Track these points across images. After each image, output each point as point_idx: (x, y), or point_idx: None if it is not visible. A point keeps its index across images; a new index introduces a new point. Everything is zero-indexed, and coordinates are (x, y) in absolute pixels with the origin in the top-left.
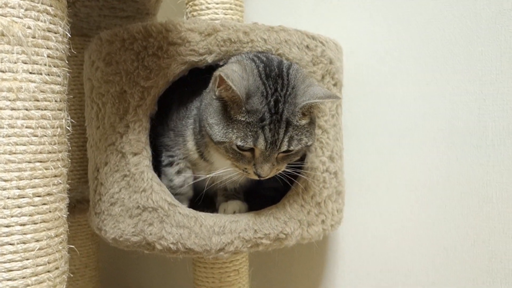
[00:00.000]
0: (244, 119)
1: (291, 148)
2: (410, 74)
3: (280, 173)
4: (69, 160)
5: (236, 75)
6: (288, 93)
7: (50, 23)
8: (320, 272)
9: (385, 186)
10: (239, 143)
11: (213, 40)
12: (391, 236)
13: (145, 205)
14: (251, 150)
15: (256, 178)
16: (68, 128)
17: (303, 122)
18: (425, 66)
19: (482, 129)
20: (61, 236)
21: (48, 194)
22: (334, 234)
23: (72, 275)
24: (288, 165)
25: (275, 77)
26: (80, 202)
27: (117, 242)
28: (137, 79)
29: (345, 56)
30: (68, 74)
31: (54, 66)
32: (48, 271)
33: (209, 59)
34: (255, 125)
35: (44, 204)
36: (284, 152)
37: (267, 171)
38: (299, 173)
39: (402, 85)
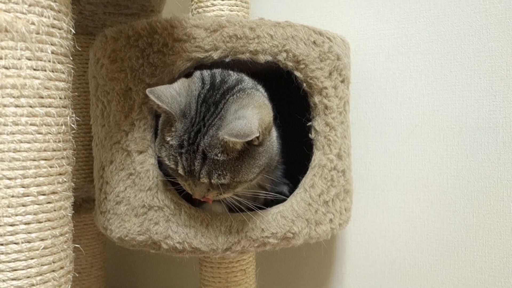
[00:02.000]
0: (169, 140)
1: (213, 181)
2: (419, 70)
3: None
4: (74, 158)
5: (170, 95)
6: (212, 123)
7: (54, 19)
8: (328, 271)
9: (393, 185)
10: (166, 162)
11: (219, 36)
12: (400, 236)
13: (151, 203)
14: None
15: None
16: (72, 125)
17: (224, 157)
18: (434, 62)
19: (493, 126)
20: (66, 235)
21: (53, 193)
22: (342, 233)
23: (78, 275)
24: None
25: (211, 103)
26: (86, 201)
27: (122, 241)
28: (142, 76)
29: (352, 53)
30: (72, 71)
31: (59, 63)
32: (53, 271)
33: (215, 55)
34: (175, 149)
35: (49, 202)
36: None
37: (200, 193)
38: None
39: (411, 82)
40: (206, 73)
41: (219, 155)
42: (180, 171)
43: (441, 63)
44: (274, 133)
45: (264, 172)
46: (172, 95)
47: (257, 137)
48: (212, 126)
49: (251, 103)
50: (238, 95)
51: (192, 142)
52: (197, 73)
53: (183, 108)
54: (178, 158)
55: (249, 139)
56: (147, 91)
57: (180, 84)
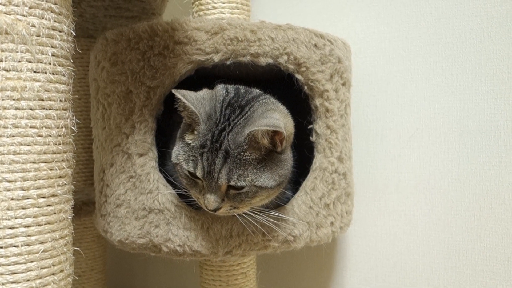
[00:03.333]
0: (190, 142)
1: (232, 183)
2: (420, 73)
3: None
4: (74, 161)
5: (195, 97)
6: (238, 123)
7: (55, 21)
8: (329, 275)
9: (394, 188)
10: (183, 166)
11: (219, 39)
12: (401, 239)
13: (151, 206)
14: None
15: (209, 212)
16: (73, 128)
17: (249, 156)
18: (435, 65)
19: (494, 129)
20: (66, 238)
21: (53, 195)
22: (343, 237)
23: (78, 278)
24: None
25: (236, 107)
26: (86, 204)
27: (123, 245)
28: (143, 78)
29: (353, 55)
30: (73, 73)
31: (59, 65)
32: (53, 274)
33: (216, 58)
34: (196, 150)
35: (49, 205)
36: (234, 188)
37: (213, 203)
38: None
39: (412, 84)
40: (230, 85)
41: (242, 153)
42: (199, 172)
43: (442, 66)
44: (290, 152)
45: (282, 187)
46: (198, 97)
47: (281, 142)
48: (238, 125)
49: (277, 110)
50: (264, 101)
51: (215, 140)
52: (221, 85)
53: (208, 111)
54: (199, 158)
55: (277, 129)
56: (174, 90)
57: (204, 92)
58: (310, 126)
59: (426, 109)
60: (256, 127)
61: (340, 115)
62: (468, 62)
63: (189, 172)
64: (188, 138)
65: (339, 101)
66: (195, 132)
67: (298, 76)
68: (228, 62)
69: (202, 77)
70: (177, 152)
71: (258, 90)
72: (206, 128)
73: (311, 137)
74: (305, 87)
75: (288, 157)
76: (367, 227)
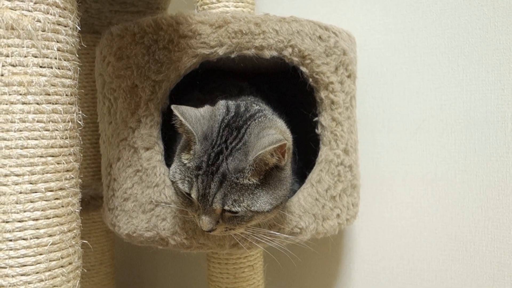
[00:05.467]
0: (186, 162)
1: (226, 208)
2: (426, 65)
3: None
4: (81, 155)
5: (194, 115)
6: (236, 147)
7: (60, 16)
8: (336, 267)
9: (401, 180)
10: (179, 185)
11: (224, 32)
12: (408, 231)
13: (158, 200)
14: None
15: (203, 231)
16: (79, 122)
17: (247, 181)
18: (441, 56)
19: (501, 120)
20: (74, 231)
21: (61, 189)
22: (349, 229)
23: (87, 271)
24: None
25: (234, 128)
26: (94, 199)
27: (130, 238)
28: (148, 73)
29: (358, 47)
30: (79, 68)
31: (65, 60)
32: (62, 266)
33: (221, 51)
34: (192, 171)
35: (57, 199)
36: (229, 211)
37: (207, 225)
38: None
39: (417, 76)
40: (231, 102)
41: (240, 179)
42: (194, 194)
43: (448, 57)
44: (290, 169)
45: (280, 208)
46: (197, 116)
47: (283, 155)
48: (237, 150)
49: (272, 126)
50: (259, 120)
51: (211, 163)
52: (223, 102)
53: (205, 131)
54: (194, 180)
55: (280, 144)
56: (172, 106)
57: (205, 109)
58: (315, 119)
59: (433, 101)
60: (260, 151)
61: (345, 107)
62: (474, 53)
63: (185, 192)
64: (184, 158)
65: (345, 93)
66: (191, 152)
67: (303, 69)
68: (232, 56)
69: (207, 71)
70: (174, 171)
71: (257, 107)
72: (201, 149)
73: (316, 130)
74: (310, 80)
75: (287, 175)
76: (374, 219)
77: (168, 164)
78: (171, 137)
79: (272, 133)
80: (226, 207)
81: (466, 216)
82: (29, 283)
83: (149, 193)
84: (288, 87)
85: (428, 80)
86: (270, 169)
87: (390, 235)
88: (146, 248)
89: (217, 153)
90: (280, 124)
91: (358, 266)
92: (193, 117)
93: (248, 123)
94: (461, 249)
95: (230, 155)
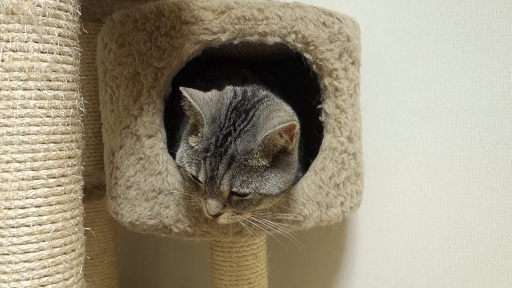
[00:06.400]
0: (194, 145)
1: (234, 189)
2: (430, 52)
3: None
4: (83, 142)
5: (202, 97)
6: (245, 129)
7: (60, 1)
8: (339, 255)
9: (405, 168)
10: (186, 169)
11: (226, 18)
12: (412, 219)
13: (161, 187)
14: None
15: (209, 217)
16: (81, 109)
17: (256, 163)
18: (446, 43)
19: (507, 107)
20: (77, 218)
21: (63, 176)
22: (353, 217)
23: (91, 260)
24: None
25: (242, 111)
26: (97, 188)
27: (133, 226)
28: (150, 60)
29: (362, 34)
30: (80, 54)
31: (66, 46)
32: (65, 253)
33: (223, 37)
34: (200, 154)
35: (59, 185)
36: (237, 194)
37: (214, 208)
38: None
39: (422, 63)
40: (238, 87)
41: (249, 160)
42: (201, 177)
43: (454, 44)
44: (297, 154)
45: (286, 193)
46: (205, 98)
47: (291, 138)
48: (246, 132)
49: (282, 109)
50: (268, 103)
51: (220, 145)
52: (230, 87)
53: (213, 113)
54: (202, 162)
55: (290, 123)
56: (181, 88)
57: (212, 93)
58: (319, 106)
59: (437, 88)
60: (270, 130)
61: (349, 94)
62: (480, 40)
63: (192, 176)
64: (192, 141)
65: (348, 80)
66: (199, 135)
67: (307, 55)
68: (235, 42)
69: (210, 58)
70: (181, 155)
71: (264, 92)
72: (209, 131)
73: (320, 117)
74: (314, 66)
75: (295, 159)
76: (378, 207)
77: (171, 152)
78: (173, 125)
79: (281, 115)
80: (234, 189)
81: (470, 204)
82: (32, 269)
83: (152, 181)
84: (291, 75)
85: (433, 67)
86: (278, 152)
87: (394, 223)
88: (149, 237)
89: (225, 135)
90: (288, 108)
91: (362, 254)
92: (201, 99)
93: (257, 106)
94: (465, 237)
95: (238, 137)
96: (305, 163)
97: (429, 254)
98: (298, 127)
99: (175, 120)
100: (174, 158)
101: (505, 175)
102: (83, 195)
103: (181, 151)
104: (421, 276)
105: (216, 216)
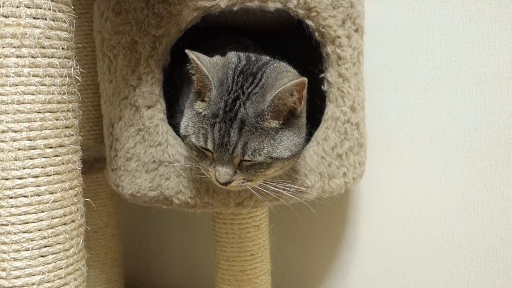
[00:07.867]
0: (201, 111)
1: (247, 157)
2: (436, 19)
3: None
4: (80, 112)
5: (208, 61)
6: (254, 91)
7: None
8: (342, 227)
9: (409, 139)
10: (193, 140)
11: None
12: (415, 190)
13: (161, 159)
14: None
15: (219, 185)
16: (77, 77)
17: (268, 125)
18: (452, 10)
19: None
20: (76, 189)
21: (60, 146)
22: (355, 188)
23: (94, 233)
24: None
25: (249, 74)
26: (98, 161)
27: (134, 198)
28: (147, 28)
29: (366, 1)
30: (74, 21)
31: (59, 11)
32: (64, 224)
33: (222, 4)
34: (207, 120)
35: (57, 155)
36: (247, 160)
37: (224, 176)
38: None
39: (427, 31)
40: (241, 53)
41: (261, 122)
42: (209, 145)
43: (460, 11)
44: (305, 118)
45: (297, 157)
46: (211, 62)
47: (300, 100)
48: (255, 94)
49: (289, 71)
50: (274, 66)
51: (229, 109)
52: (233, 52)
53: (220, 76)
54: (209, 129)
55: (300, 80)
56: (187, 51)
57: (217, 58)
58: (321, 75)
59: (442, 57)
60: (280, 88)
61: (352, 63)
62: (487, 6)
63: (199, 144)
64: (199, 107)
65: (352, 48)
66: (206, 99)
67: (309, 22)
68: (235, 8)
69: (209, 27)
70: (186, 124)
71: (267, 57)
72: (217, 95)
73: (322, 86)
74: (316, 34)
75: (304, 122)
76: (381, 179)
77: (171, 123)
78: (173, 95)
79: (290, 75)
80: (246, 157)
81: (474, 175)
82: (32, 240)
83: (152, 152)
84: (293, 44)
85: (438, 35)
86: (288, 113)
87: (397, 194)
88: (151, 209)
89: (234, 100)
90: (294, 71)
91: (364, 226)
92: (208, 62)
93: (263, 69)
94: (469, 208)
95: (248, 100)
96: (308, 134)
97: (432, 225)
98: (306, 86)
99: (174, 91)
100: (174, 129)
101: (510, 145)
102: (84, 168)
103: (185, 120)
104: (424, 247)
105: (226, 184)
